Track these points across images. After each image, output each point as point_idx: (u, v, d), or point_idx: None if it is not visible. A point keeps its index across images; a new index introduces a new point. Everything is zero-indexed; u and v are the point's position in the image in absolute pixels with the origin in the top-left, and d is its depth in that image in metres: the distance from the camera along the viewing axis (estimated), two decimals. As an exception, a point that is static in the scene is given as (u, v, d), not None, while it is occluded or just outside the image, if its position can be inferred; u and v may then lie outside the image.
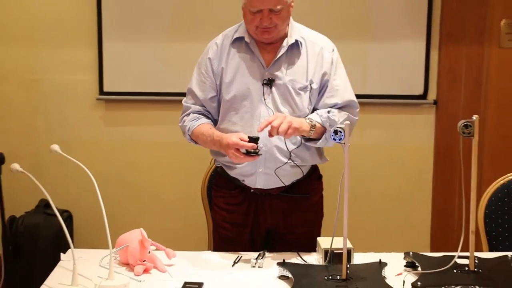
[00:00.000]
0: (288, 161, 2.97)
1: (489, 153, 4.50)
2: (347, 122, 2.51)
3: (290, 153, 2.96)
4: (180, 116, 3.12)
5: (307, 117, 2.94)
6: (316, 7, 4.43)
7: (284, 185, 3.03)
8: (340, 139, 2.50)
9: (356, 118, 3.08)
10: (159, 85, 4.48)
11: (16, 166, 2.67)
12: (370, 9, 4.44)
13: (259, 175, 3.00)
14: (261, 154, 2.80)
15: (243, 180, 3.05)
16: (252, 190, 3.06)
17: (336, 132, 2.50)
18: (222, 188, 3.18)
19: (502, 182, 3.50)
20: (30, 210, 4.38)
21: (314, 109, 3.04)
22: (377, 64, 4.48)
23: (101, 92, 4.52)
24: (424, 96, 4.54)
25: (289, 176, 3.02)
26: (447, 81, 4.55)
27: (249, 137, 2.77)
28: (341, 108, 3.02)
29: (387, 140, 4.57)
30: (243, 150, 2.77)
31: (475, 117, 2.57)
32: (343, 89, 3.04)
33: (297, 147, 2.98)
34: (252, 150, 2.75)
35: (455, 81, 4.55)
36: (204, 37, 4.37)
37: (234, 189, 3.11)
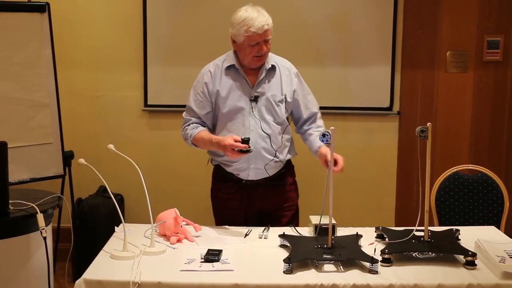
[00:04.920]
0: (273, 158, 2.98)
1: (439, 151, 4.50)
2: (333, 127, 2.51)
3: (275, 152, 2.96)
4: (182, 127, 3.07)
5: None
6: (310, 40, 4.40)
7: (269, 175, 3.02)
8: (327, 141, 2.48)
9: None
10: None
11: (82, 160, 2.67)
12: (350, 42, 4.41)
13: (251, 170, 2.99)
14: (251, 151, 2.77)
15: (238, 174, 3.03)
16: (244, 182, 3.03)
17: (324, 135, 2.48)
18: (219, 181, 3.14)
19: (449, 173, 3.49)
20: (92, 193, 4.37)
21: (294, 117, 3.13)
22: (355, 84, 4.45)
23: (146, 104, 4.50)
24: (390, 108, 4.50)
25: (273, 168, 3.02)
26: (407, 97, 4.52)
27: (242, 138, 2.75)
28: (316, 114, 3.13)
29: (363, 141, 4.53)
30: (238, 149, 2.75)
31: (428, 124, 2.56)
32: (315, 101, 3.15)
33: (279, 147, 2.99)
34: (245, 149, 2.73)
35: (413, 97, 4.52)
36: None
37: (229, 181, 3.07)
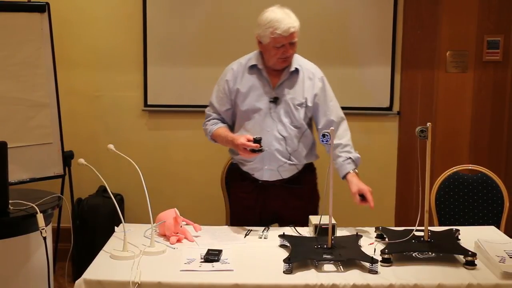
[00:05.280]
0: (287, 161, 2.96)
1: (439, 151, 4.50)
2: (332, 128, 2.53)
3: (289, 155, 2.94)
4: (204, 121, 3.11)
5: (353, 170, 2.93)
6: (310, 40, 4.38)
7: (283, 178, 3.00)
8: (327, 141, 2.48)
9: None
10: (189, 99, 4.46)
11: (82, 160, 2.67)
12: (349, 43, 4.41)
13: (265, 171, 2.99)
14: (263, 151, 2.77)
15: (253, 174, 3.03)
16: (260, 182, 3.03)
17: (323, 135, 2.48)
18: (237, 180, 3.15)
19: (449, 173, 3.49)
20: (92, 194, 4.37)
21: (316, 124, 3.06)
22: (355, 84, 4.45)
23: (146, 104, 4.49)
24: (390, 108, 4.50)
25: (287, 171, 2.99)
26: (407, 97, 4.52)
27: (254, 138, 2.76)
28: (338, 122, 3.03)
29: (363, 141, 4.51)
30: (250, 148, 2.75)
31: (428, 124, 2.56)
32: (336, 108, 3.05)
33: (294, 151, 2.97)
34: (257, 149, 2.74)
35: (413, 97, 4.52)
36: (219, 63, 4.40)
37: (246, 181, 3.07)
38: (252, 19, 4.34)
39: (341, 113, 3.07)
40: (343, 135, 3.02)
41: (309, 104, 2.98)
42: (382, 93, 4.47)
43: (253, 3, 4.42)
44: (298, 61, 3.02)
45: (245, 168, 3.05)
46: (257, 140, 2.74)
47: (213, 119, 3.07)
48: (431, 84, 4.51)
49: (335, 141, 2.98)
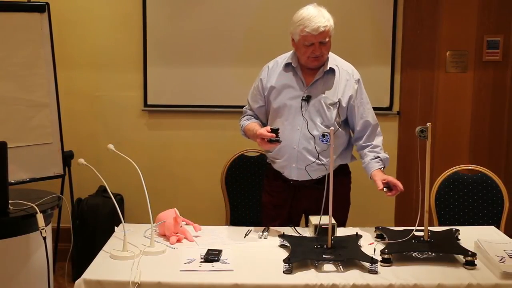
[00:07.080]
0: (315, 161, 2.92)
1: (439, 151, 4.50)
2: (332, 128, 2.54)
3: (318, 154, 2.92)
4: (240, 117, 3.15)
5: (380, 168, 2.93)
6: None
7: (311, 178, 2.96)
8: (327, 141, 2.48)
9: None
10: (189, 99, 4.47)
11: (81, 160, 2.67)
12: (349, 42, 4.40)
13: (293, 169, 2.97)
14: (280, 142, 2.75)
15: (283, 173, 3.02)
16: (291, 182, 3.02)
17: (323, 135, 2.49)
18: (270, 179, 3.15)
19: (449, 173, 3.49)
20: (92, 194, 4.37)
21: (350, 127, 3.06)
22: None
23: (145, 104, 4.50)
24: (390, 108, 4.50)
25: (316, 171, 2.95)
26: (407, 97, 4.52)
27: (271, 128, 2.75)
28: (374, 125, 3.03)
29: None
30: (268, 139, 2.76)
31: (428, 124, 2.56)
32: (372, 112, 3.05)
33: (324, 151, 2.92)
34: (273, 139, 2.73)
35: (413, 97, 4.52)
36: (219, 64, 4.41)
37: (278, 180, 3.07)
38: (252, 19, 4.38)
39: (375, 117, 3.07)
40: (376, 137, 3.03)
41: (343, 105, 2.96)
42: (382, 93, 4.47)
43: (253, 3, 4.43)
44: (336, 61, 3.01)
45: (275, 167, 3.05)
46: (274, 130, 2.74)
47: (248, 115, 3.12)
48: (431, 84, 4.51)
49: (367, 142, 3.00)
